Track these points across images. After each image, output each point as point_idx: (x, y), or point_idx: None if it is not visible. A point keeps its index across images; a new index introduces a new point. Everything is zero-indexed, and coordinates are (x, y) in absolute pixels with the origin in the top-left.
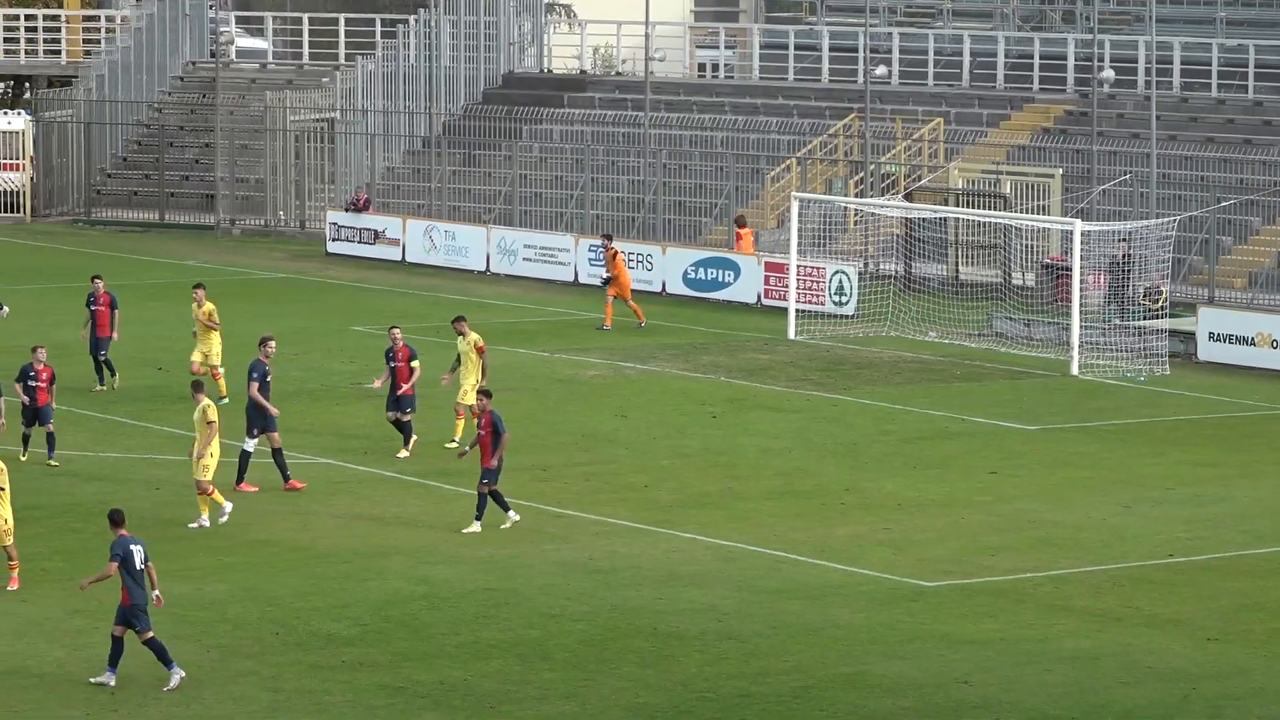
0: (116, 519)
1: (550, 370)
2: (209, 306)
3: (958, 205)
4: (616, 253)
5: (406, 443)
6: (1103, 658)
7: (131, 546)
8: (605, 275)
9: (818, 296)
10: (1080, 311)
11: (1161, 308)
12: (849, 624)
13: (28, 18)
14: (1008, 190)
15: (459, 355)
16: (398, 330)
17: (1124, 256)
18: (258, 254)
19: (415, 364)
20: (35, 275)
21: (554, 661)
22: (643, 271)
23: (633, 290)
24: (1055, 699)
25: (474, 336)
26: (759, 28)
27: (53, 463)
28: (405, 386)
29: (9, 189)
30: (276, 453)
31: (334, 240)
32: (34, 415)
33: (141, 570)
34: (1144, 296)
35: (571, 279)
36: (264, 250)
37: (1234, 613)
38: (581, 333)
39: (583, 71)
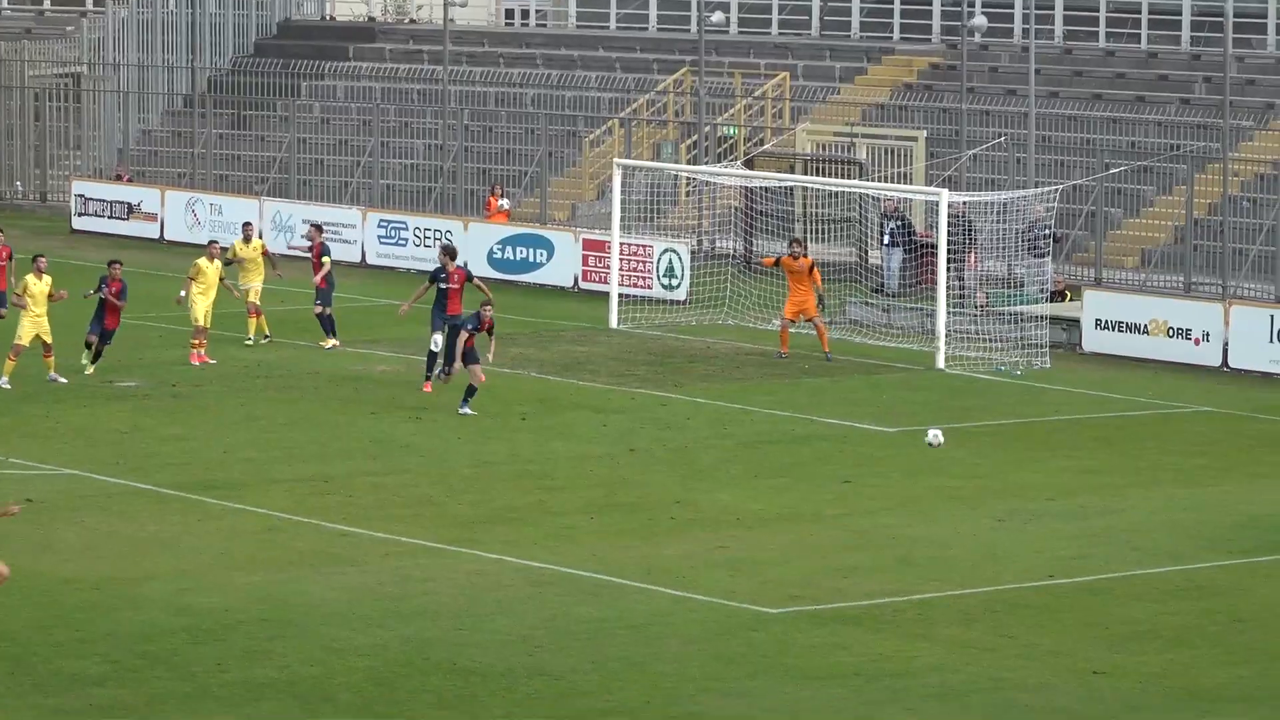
0: None
1: (335, 365)
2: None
3: (805, 173)
4: None
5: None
6: (973, 694)
7: None
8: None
9: (644, 279)
10: (948, 297)
11: (1045, 294)
12: (679, 657)
13: None
14: (863, 156)
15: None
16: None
17: (1043, 226)
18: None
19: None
20: None
21: (337, 703)
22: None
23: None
24: None
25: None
26: None
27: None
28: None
29: None
30: None
31: (80, 215)
32: None
33: None
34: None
35: (359, 259)
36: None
37: (1123, 642)
38: (370, 321)
39: (371, 19)
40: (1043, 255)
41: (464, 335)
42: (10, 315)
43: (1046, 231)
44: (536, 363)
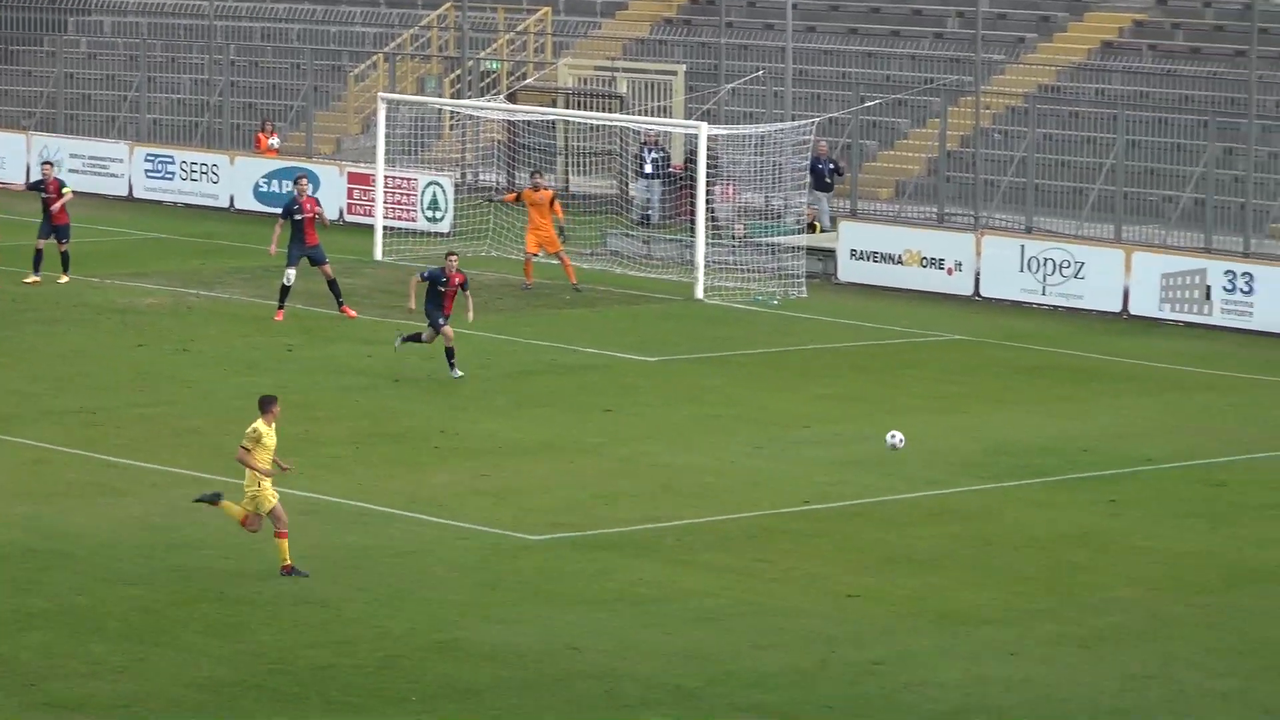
0: None
1: (103, 298)
2: None
3: (567, 107)
4: None
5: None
6: (732, 618)
7: None
8: None
9: (408, 212)
10: (708, 226)
11: (800, 225)
12: (445, 584)
13: None
14: (624, 90)
15: None
16: None
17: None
18: None
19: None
20: None
21: (106, 632)
22: (208, 184)
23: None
24: (678, 665)
25: None
26: None
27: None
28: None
29: None
30: None
31: None
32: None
33: None
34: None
35: (126, 193)
36: None
37: (878, 566)
38: (137, 255)
39: None
40: (829, 189)
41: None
42: None
43: (833, 165)
44: (302, 295)
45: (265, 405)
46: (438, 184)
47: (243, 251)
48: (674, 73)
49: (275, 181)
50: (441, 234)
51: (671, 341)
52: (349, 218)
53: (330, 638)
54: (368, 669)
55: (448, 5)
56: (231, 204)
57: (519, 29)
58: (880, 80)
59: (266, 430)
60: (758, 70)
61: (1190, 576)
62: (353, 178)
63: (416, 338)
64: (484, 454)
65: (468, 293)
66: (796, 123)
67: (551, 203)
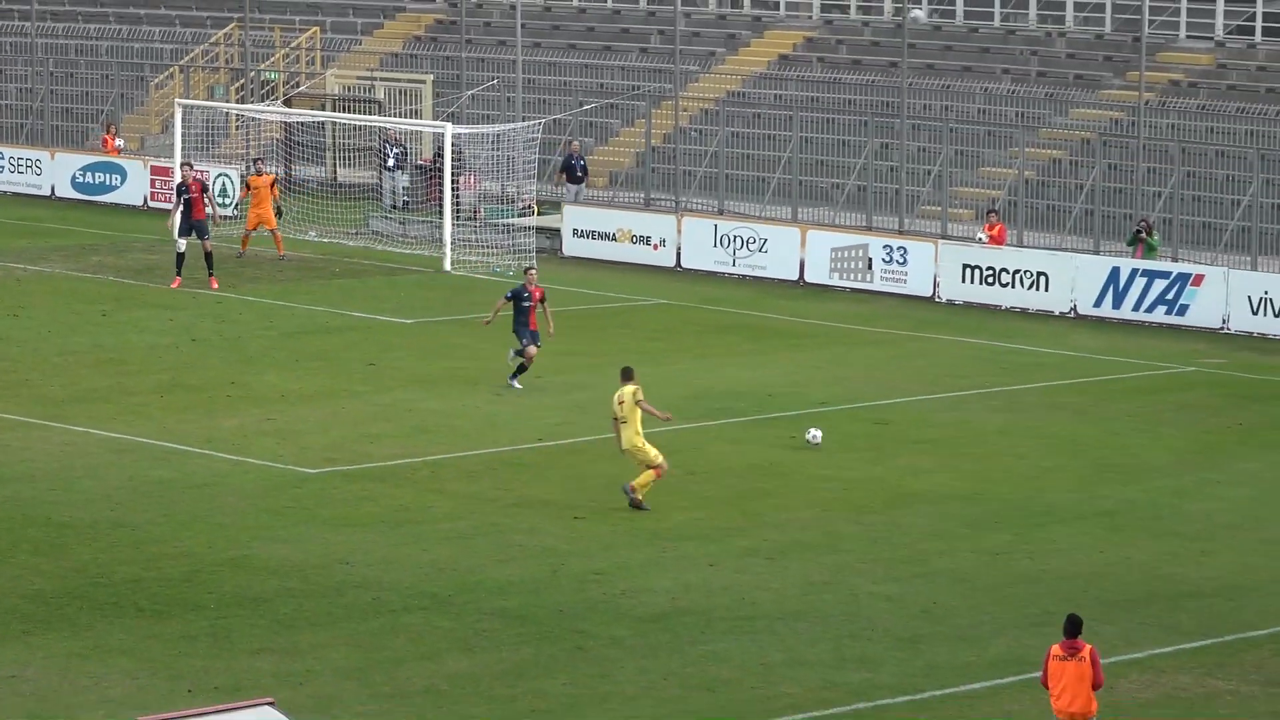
0: None
1: None
2: None
3: (334, 110)
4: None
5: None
6: (477, 537)
7: None
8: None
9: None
10: (454, 210)
11: (525, 209)
12: (236, 510)
13: None
14: (382, 95)
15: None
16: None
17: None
18: None
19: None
20: None
21: None
22: (32, 176)
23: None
24: (433, 576)
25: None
26: None
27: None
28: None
29: None
30: None
31: None
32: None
33: None
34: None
35: None
36: None
37: (598, 492)
38: None
39: None
40: (580, 181)
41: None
42: None
43: (583, 161)
44: (114, 269)
45: (628, 375)
46: (226, 175)
47: (63, 233)
48: (424, 81)
49: (90, 173)
50: (229, 216)
51: (424, 306)
52: (152, 204)
53: (140, 555)
54: (173, 581)
55: (233, 25)
56: (52, 192)
57: (293, 45)
58: (595, 87)
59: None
60: (493, 80)
61: (858, 499)
62: (155, 170)
63: (523, 369)
64: (268, 401)
65: (547, 306)
66: (526, 123)
67: (273, 185)
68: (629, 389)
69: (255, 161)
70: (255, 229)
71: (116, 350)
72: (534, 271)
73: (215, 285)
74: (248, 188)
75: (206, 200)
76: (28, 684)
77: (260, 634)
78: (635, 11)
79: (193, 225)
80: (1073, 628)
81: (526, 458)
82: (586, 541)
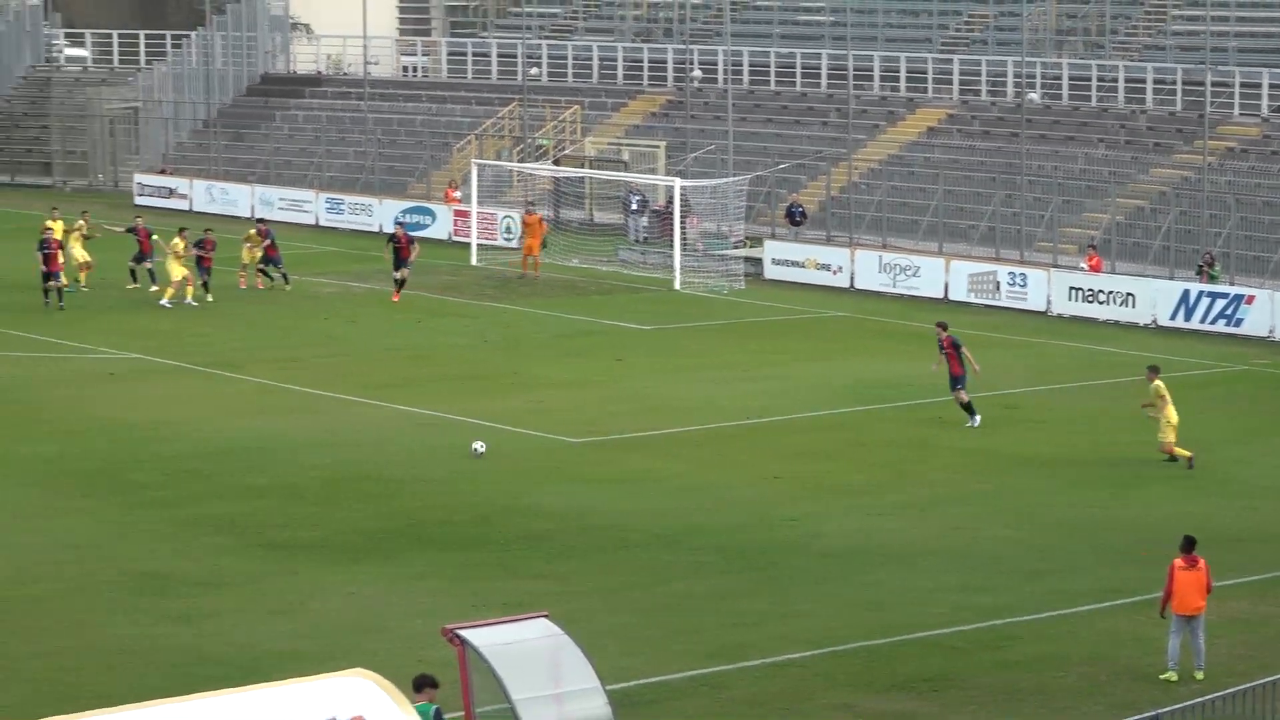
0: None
1: (299, 289)
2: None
3: (591, 168)
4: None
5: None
6: (699, 491)
7: None
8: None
9: (491, 234)
10: (681, 243)
11: (738, 244)
12: (515, 469)
13: None
14: (626, 156)
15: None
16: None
17: (798, 206)
18: (85, 205)
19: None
20: None
21: (305, 498)
22: (365, 216)
23: (359, 231)
24: (665, 520)
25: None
26: (446, 40)
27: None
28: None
29: None
30: None
31: (140, 196)
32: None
33: None
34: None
35: (313, 222)
36: (88, 202)
37: (793, 458)
38: (320, 261)
39: (319, 73)
40: (798, 224)
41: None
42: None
43: (800, 209)
44: (425, 286)
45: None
46: (510, 216)
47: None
48: (658, 146)
49: (409, 215)
50: (513, 248)
51: (659, 316)
52: (455, 238)
53: (442, 503)
54: (467, 522)
55: (514, 104)
56: (380, 229)
57: (560, 118)
58: (788, 151)
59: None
60: (711, 145)
61: (988, 465)
62: (457, 213)
63: (970, 409)
64: (539, 387)
65: (964, 349)
66: (735, 178)
67: (540, 223)
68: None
69: (529, 204)
70: (530, 254)
71: (426, 349)
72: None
73: (396, 299)
74: (523, 225)
75: (414, 249)
76: (361, 599)
77: (536, 563)
78: (818, 94)
79: (400, 263)
80: (1189, 545)
81: (738, 431)
82: (780, 495)
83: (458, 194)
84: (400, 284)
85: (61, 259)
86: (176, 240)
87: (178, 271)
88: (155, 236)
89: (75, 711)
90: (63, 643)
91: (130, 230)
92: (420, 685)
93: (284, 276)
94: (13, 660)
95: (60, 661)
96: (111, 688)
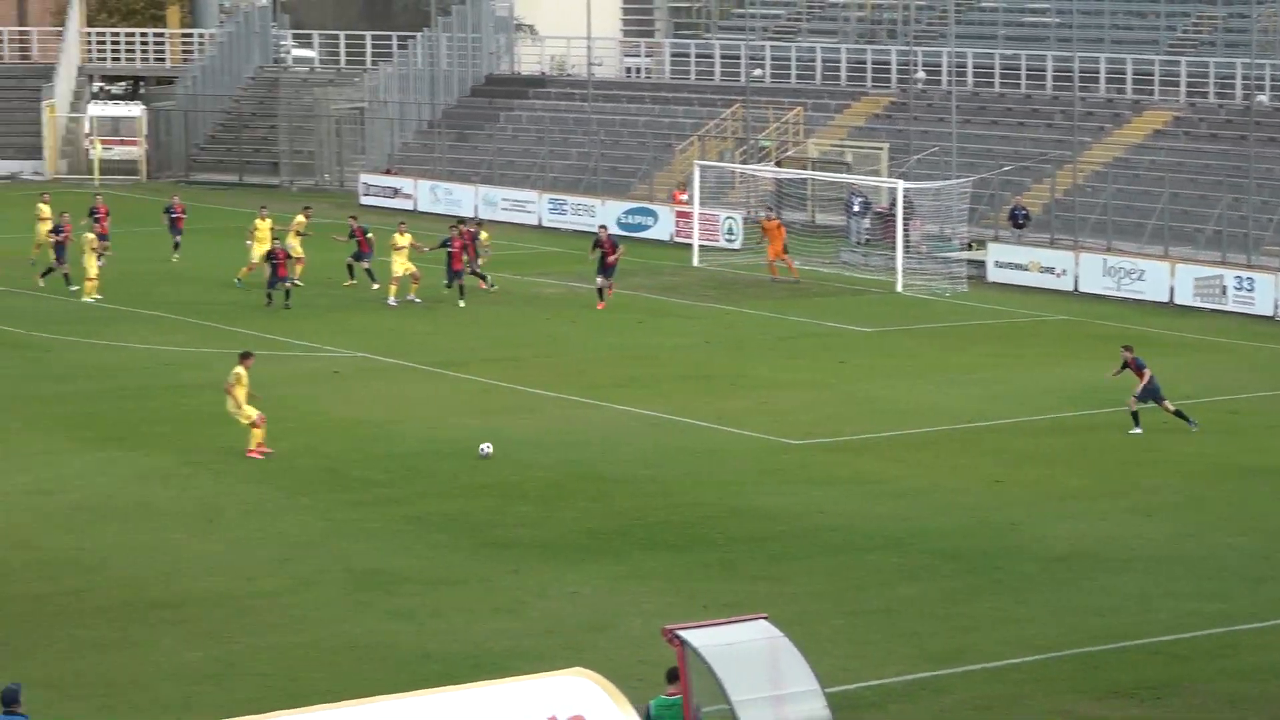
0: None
1: (521, 289)
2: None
3: (814, 169)
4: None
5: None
6: (920, 495)
7: None
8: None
9: (714, 235)
10: (904, 246)
11: (964, 246)
12: (738, 470)
13: (142, 34)
14: (849, 158)
15: None
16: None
17: (1021, 209)
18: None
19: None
20: (149, 220)
21: (528, 498)
22: (587, 217)
23: (582, 232)
24: (887, 524)
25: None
26: (669, 41)
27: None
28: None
29: (130, 158)
30: None
31: (365, 195)
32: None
33: None
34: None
35: (535, 223)
36: (313, 201)
37: (1015, 462)
38: (540, 261)
39: (543, 74)
40: (1022, 227)
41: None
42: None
43: (1024, 211)
44: (647, 287)
45: None
46: (732, 217)
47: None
48: (881, 148)
49: (631, 215)
50: (734, 249)
51: (881, 318)
52: (677, 239)
53: (666, 503)
54: (691, 523)
55: (737, 105)
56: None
57: (783, 120)
58: (1012, 154)
59: None
60: (934, 147)
61: (1215, 471)
62: (678, 214)
63: (1183, 416)
64: (762, 389)
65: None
66: (959, 180)
67: (778, 228)
68: None
69: (767, 210)
70: (774, 259)
71: (649, 349)
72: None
73: (601, 307)
74: (763, 230)
75: (618, 252)
76: (584, 599)
77: (757, 565)
78: (1043, 95)
79: (606, 270)
80: None
81: (958, 435)
82: (1004, 499)
83: (685, 196)
84: (602, 292)
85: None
86: (397, 235)
87: (400, 267)
88: (370, 234)
89: (300, 707)
90: (289, 639)
91: (351, 235)
92: (673, 677)
93: (369, 274)
94: (240, 656)
95: (287, 657)
96: (335, 684)
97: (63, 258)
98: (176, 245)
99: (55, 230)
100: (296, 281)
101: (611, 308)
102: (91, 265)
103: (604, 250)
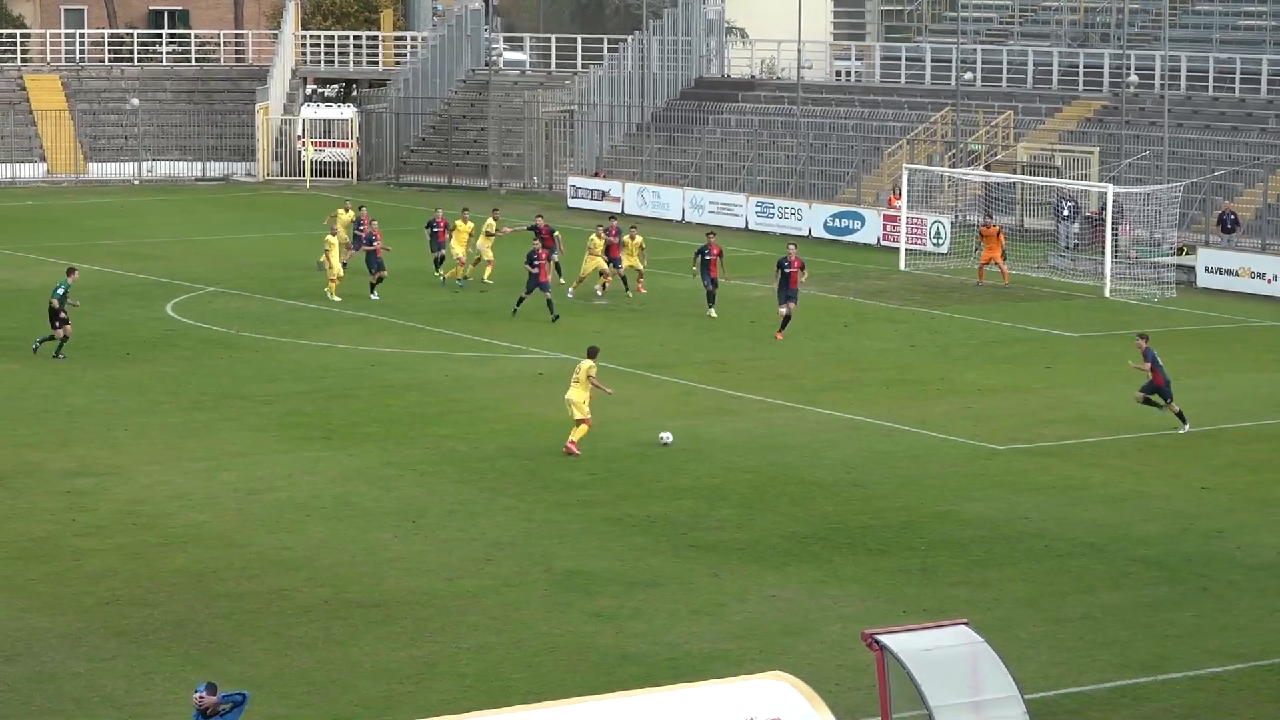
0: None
1: (725, 291)
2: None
3: (1023, 173)
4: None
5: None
6: (1125, 501)
7: None
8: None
9: (921, 239)
10: (1113, 250)
11: (1176, 251)
12: (941, 475)
13: (355, 37)
14: (1059, 163)
15: None
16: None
17: (1230, 213)
18: (518, 206)
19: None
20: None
21: (729, 501)
22: (794, 220)
23: (788, 234)
24: (1090, 530)
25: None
26: (880, 44)
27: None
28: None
29: (341, 160)
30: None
31: (573, 198)
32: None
33: None
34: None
35: (743, 226)
36: (522, 203)
37: (1222, 469)
38: (747, 265)
39: (752, 77)
40: (1231, 231)
41: None
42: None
43: (1233, 215)
44: (854, 291)
45: None
46: (940, 222)
47: (816, 264)
48: (1092, 152)
49: (839, 219)
50: (942, 253)
51: (1089, 324)
52: (884, 242)
53: (869, 508)
54: (893, 528)
55: (947, 109)
56: (809, 234)
57: (993, 123)
58: (1224, 158)
59: None
60: (1145, 151)
61: None
62: (886, 217)
63: (1149, 405)
64: (967, 393)
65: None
66: (1170, 185)
67: (998, 234)
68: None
69: (986, 215)
70: (988, 263)
71: (854, 353)
72: (793, 249)
73: (779, 337)
74: (981, 236)
75: (803, 275)
76: (784, 602)
77: (958, 570)
78: (1257, 99)
79: (788, 294)
80: None
81: (1164, 441)
82: (1211, 506)
83: (899, 203)
84: (786, 321)
85: (548, 272)
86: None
87: (591, 263)
88: (557, 233)
89: (502, 707)
90: (490, 639)
91: (533, 229)
92: None
93: (557, 268)
94: (443, 655)
95: (488, 657)
96: (536, 685)
97: (377, 265)
98: (438, 261)
99: (367, 240)
100: (488, 282)
101: (819, 312)
102: (336, 264)
103: (790, 270)
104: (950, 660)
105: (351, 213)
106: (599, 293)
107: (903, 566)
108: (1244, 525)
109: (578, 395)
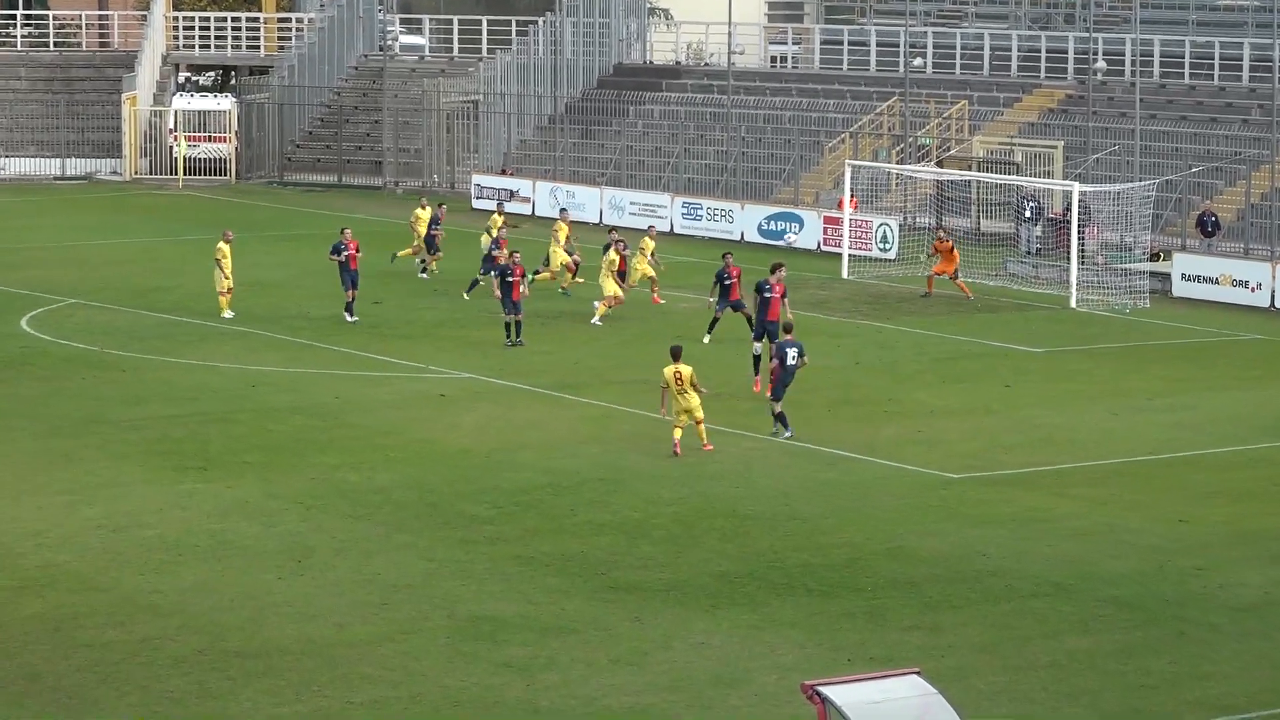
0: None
1: (648, 302)
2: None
3: (979, 170)
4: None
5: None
6: (1094, 535)
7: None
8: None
9: (866, 244)
10: (1079, 256)
11: (1156, 256)
12: (890, 507)
13: (234, 19)
14: (1019, 158)
15: None
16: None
17: (1210, 214)
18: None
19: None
20: (238, 226)
21: (652, 537)
22: (725, 223)
23: (720, 239)
24: (1056, 567)
25: None
26: (819, 27)
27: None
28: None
29: (219, 157)
30: None
31: (477, 199)
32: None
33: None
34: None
35: (668, 229)
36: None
37: (1201, 499)
38: (672, 273)
39: (678, 63)
40: (1211, 235)
41: None
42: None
43: (1214, 218)
44: (792, 303)
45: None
46: (887, 224)
47: (748, 272)
48: (1055, 146)
49: (773, 221)
50: (889, 259)
51: (1052, 338)
52: (824, 247)
53: (809, 543)
54: (836, 566)
55: (894, 99)
56: (742, 238)
57: (945, 115)
58: (1201, 153)
59: None
60: (1114, 146)
61: None
62: (826, 219)
63: None
64: (918, 415)
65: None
66: (1142, 183)
67: (951, 251)
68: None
69: (939, 229)
70: (940, 275)
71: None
72: (783, 270)
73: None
74: (934, 250)
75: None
76: (714, 649)
77: (910, 613)
78: (1238, 88)
79: (760, 328)
80: None
81: (1137, 468)
82: (1188, 541)
83: (848, 204)
84: (758, 363)
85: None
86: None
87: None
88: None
89: None
90: (386, 693)
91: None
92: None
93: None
94: (333, 711)
95: (383, 713)
96: None
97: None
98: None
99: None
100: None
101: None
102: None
103: (729, 280)
104: (900, 714)
105: (429, 209)
106: (561, 290)
107: (847, 609)
108: (1225, 561)
109: (692, 401)
